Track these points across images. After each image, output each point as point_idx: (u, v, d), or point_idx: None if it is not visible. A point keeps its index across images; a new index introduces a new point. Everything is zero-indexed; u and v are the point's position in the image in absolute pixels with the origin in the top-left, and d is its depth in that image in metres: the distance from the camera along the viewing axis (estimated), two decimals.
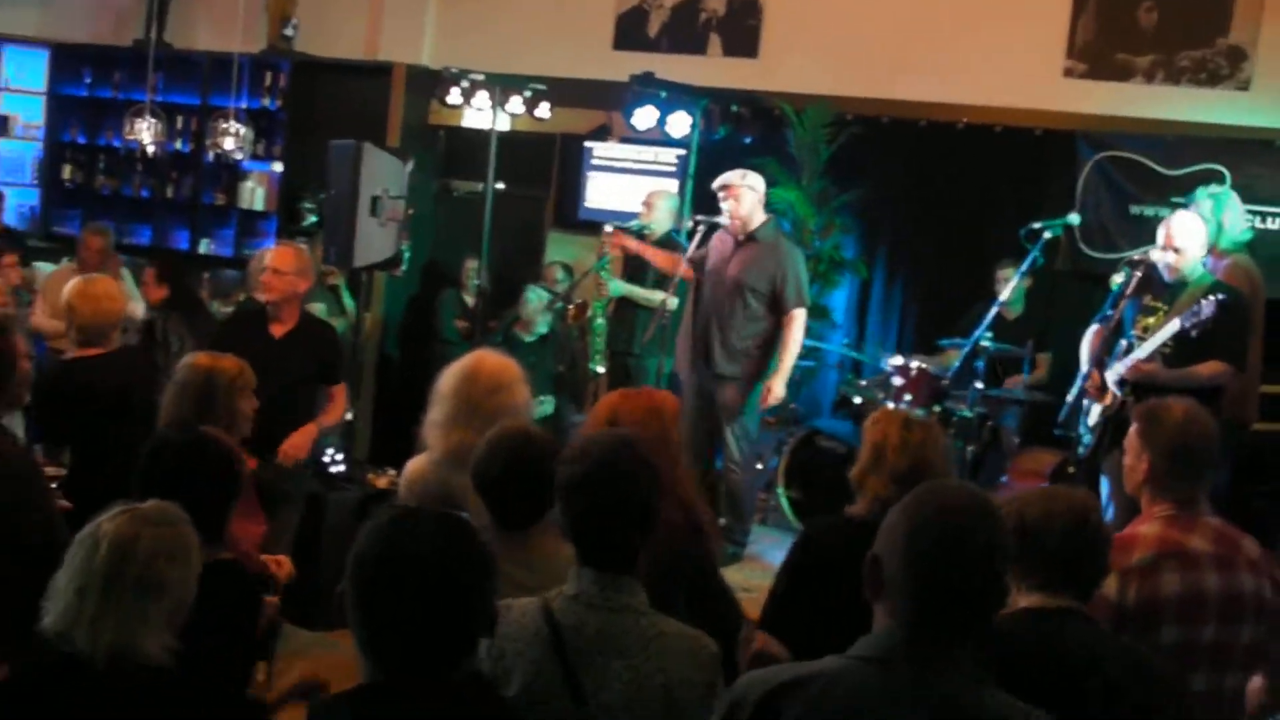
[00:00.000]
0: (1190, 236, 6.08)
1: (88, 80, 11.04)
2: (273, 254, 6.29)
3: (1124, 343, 6.19)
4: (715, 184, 7.34)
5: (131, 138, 9.78)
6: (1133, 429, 3.74)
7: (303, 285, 6.26)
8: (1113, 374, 6.11)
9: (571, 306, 8.13)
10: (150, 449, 3.59)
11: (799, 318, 7.22)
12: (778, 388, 7.18)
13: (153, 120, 9.63)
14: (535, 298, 8.75)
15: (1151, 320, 6.13)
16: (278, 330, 6.17)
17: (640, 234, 8.07)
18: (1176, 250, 6.05)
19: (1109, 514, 5.42)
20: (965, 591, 2.24)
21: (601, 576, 2.84)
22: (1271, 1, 8.15)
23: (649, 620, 2.84)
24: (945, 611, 2.24)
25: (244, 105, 10.06)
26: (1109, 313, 6.39)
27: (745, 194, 7.21)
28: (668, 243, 8.05)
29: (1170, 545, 3.47)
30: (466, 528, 2.37)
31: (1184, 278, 6.09)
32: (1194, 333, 5.71)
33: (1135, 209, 8.43)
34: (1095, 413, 6.24)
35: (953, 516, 2.29)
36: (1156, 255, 6.16)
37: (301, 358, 6.10)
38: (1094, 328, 6.46)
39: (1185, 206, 6.80)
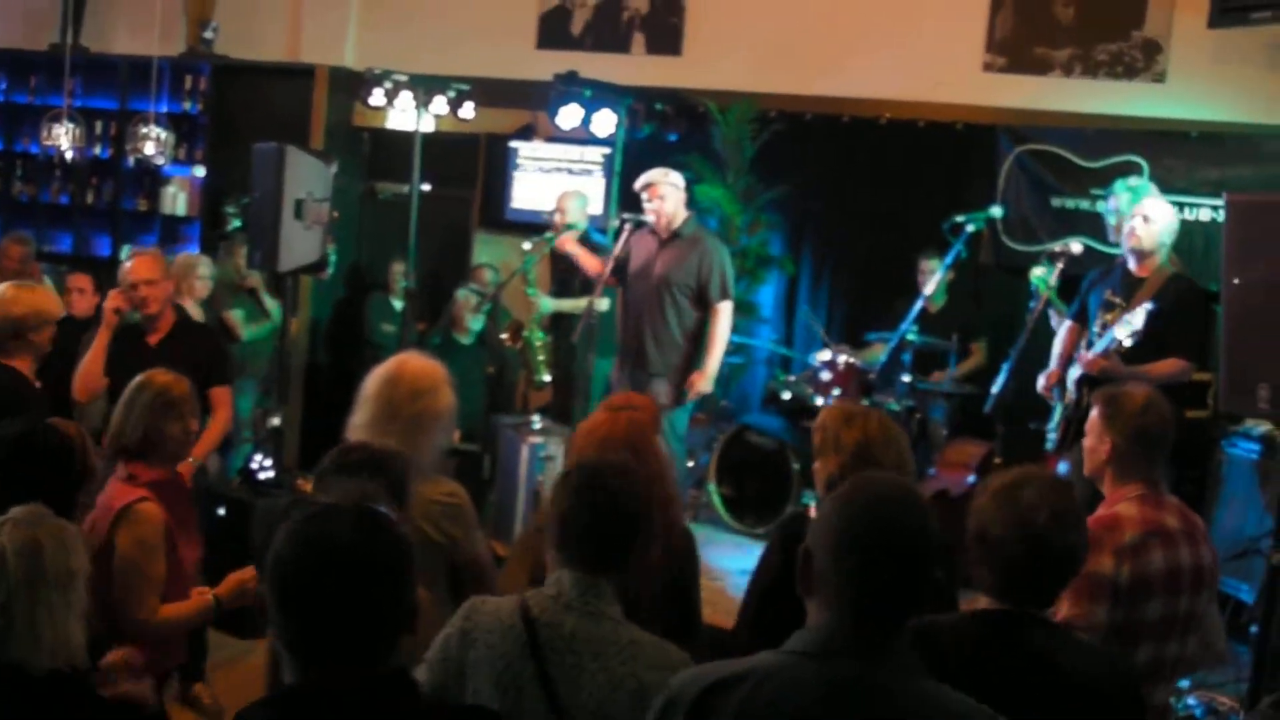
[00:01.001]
0: (1160, 210, 6.17)
1: (2, 86, 10.85)
2: (135, 267, 6.04)
3: (1086, 340, 6.27)
4: (638, 184, 7.33)
5: (50, 143, 9.65)
6: (1094, 413, 3.86)
7: (171, 286, 6.18)
8: (1074, 371, 6.17)
9: (506, 334, 8.15)
10: None
11: (725, 311, 7.24)
12: (703, 382, 7.19)
13: (71, 125, 9.52)
14: (463, 297, 8.74)
15: (1110, 316, 6.21)
16: (153, 338, 6.03)
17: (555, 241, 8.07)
18: (1146, 219, 6.12)
19: None
20: (897, 582, 2.26)
21: (581, 580, 2.88)
22: None
23: (625, 629, 2.87)
24: (878, 603, 2.26)
25: (164, 109, 9.96)
26: (1074, 309, 6.46)
27: (670, 192, 7.22)
28: (584, 241, 8.02)
29: (1153, 524, 3.63)
30: (382, 520, 2.35)
31: (1151, 253, 6.15)
32: (1130, 342, 5.78)
33: (1056, 201, 8.54)
34: (1058, 412, 6.32)
35: (882, 507, 2.31)
36: (1081, 239, 6.28)
37: (179, 364, 5.94)
38: (1067, 324, 6.53)
39: (1104, 198, 6.91)
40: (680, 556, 3.83)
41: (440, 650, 2.95)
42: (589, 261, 7.70)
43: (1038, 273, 6.70)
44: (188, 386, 4.46)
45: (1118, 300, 6.19)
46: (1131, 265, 6.24)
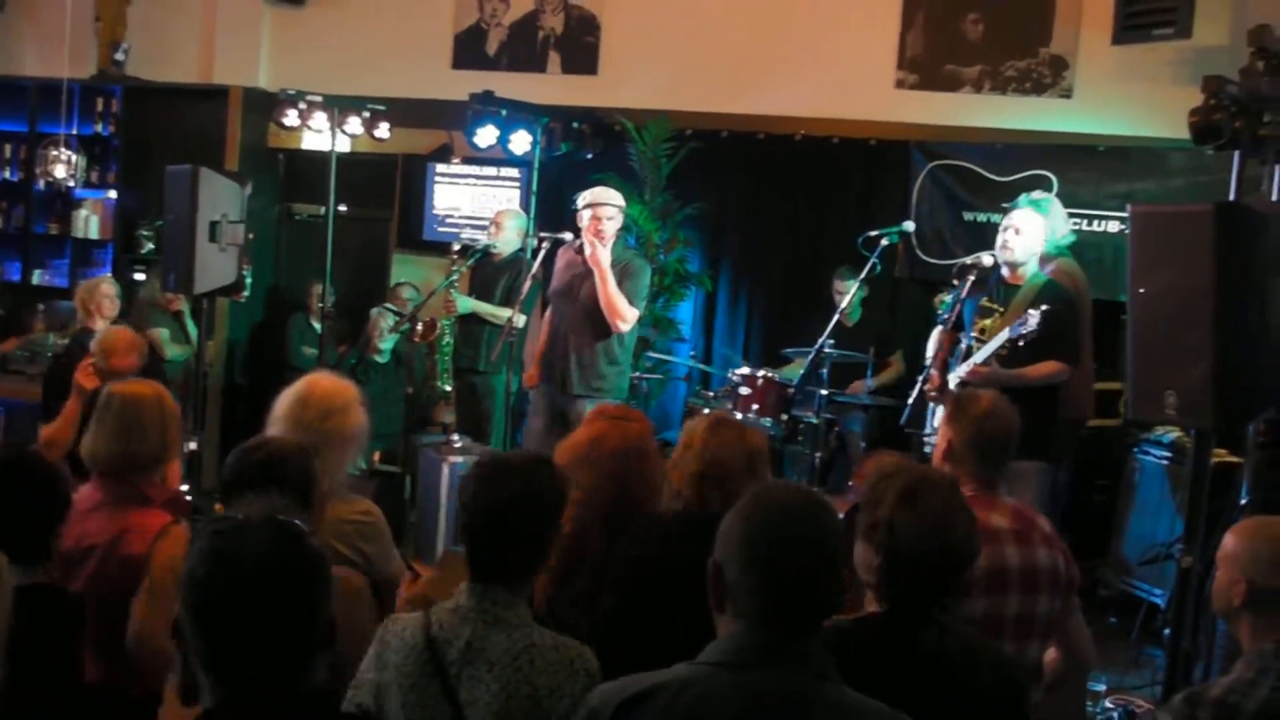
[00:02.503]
0: (1030, 223, 6.37)
1: None
2: (108, 346, 6.04)
3: (964, 344, 6.39)
4: (581, 200, 7.22)
5: None
6: (943, 412, 3.91)
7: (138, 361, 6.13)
8: (954, 376, 6.28)
9: (420, 324, 8.07)
10: None
11: (630, 316, 7.17)
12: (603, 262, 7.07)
13: None
14: (375, 315, 8.72)
15: (988, 322, 6.34)
16: (89, 381, 5.85)
17: (487, 253, 8.05)
18: (1017, 231, 6.30)
19: None
20: (805, 589, 2.30)
21: (478, 588, 2.87)
22: (1089, 13, 8.45)
23: (522, 633, 2.84)
24: (788, 610, 2.29)
25: (75, 131, 9.84)
26: (944, 315, 6.58)
27: (615, 214, 7.16)
28: (515, 262, 8.02)
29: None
30: (294, 530, 2.33)
31: (1021, 265, 6.32)
32: (1021, 343, 5.92)
33: (968, 215, 8.66)
34: (939, 414, 6.40)
35: (785, 516, 2.34)
36: (991, 252, 6.41)
37: None
38: (937, 330, 6.64)
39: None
40: None
41: (364, 671, 2.93)
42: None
43: (943, 298, 6.85)
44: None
45: (995, 306, 6.34)
46: (1005, 273, 6.44)
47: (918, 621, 2.85)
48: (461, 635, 2.83)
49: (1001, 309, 6.31)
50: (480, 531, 2.89)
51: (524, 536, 2.91)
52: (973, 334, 6.39)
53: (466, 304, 8.09)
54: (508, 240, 8.09)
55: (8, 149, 10.33)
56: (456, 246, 7.98)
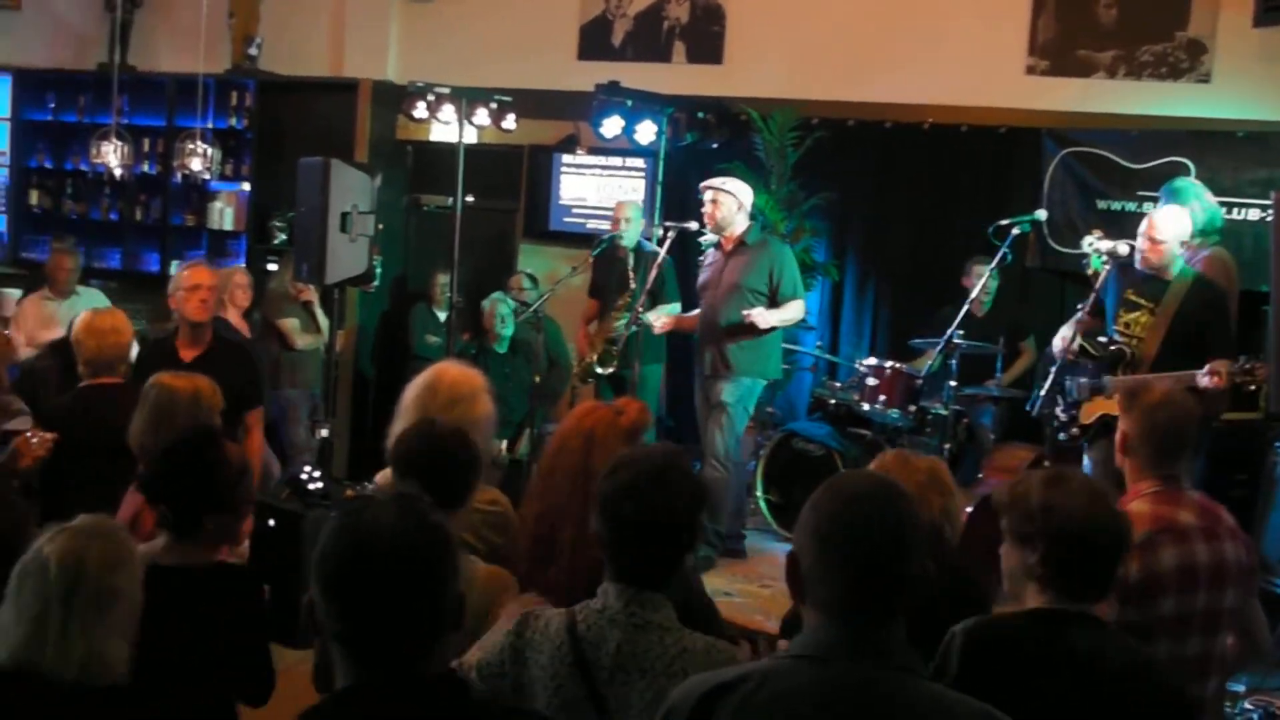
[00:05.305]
0: (1171, 230, 6.14)
1: (52, 105, 10.98)
2: (197, 272, 6.11)
3: (1106, 338, 6.22)
4: (703, 185, 7.53)
5: (99, 161, 9.73)
6: (1118, 403, 3.87)
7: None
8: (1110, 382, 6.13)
9: (577, 373, 8.32)
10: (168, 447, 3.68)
11: (799, 304, 7.49)
12: (762, 315, 7.26)
13: (119, 143, 9.60)
14: (488, 304, 8.79)
15: (1136, 317, 6.16)
16: (188, 354, 5.97)
17: (612, 244, 8.12)
18: (1154, 241, 6.11)
19: None
20: (878, 579, 2.24)
21: (626, 591, 2.79)
22: None
23: (674, 637, 2.78)
24: (862, 601, 2.24)
25: (210, 125, 10.03)
26: (1081, 305, 6.41)
27: (723, 199, 7.42)
28: (637, 252, 8.07)
29: (1163, 521, 3.63)
30: (422, 505, 2.36)
31: (1163, 268, 6.14)
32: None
33: (1102, 203, 8.49)
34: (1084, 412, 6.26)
35: (856, 504, 2.29)
36: (1129, 242, 6.24)
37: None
38: (1077, 317, 6.47)
39: (1153, 200, 6.86)
40: None
41: (495, 663, 2.90)
42: (688, 323, 7.85)
43: (1098, 247, 6.64)
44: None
45: (1144, 302, 6.16)
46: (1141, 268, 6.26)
47: (1080, 618, 2.83)
48: (610, 639, 2.77)
49: (1151, 305, 6.13)
50: (620, 533, 2.81)
51: (665, 535, 2.83)
52: (1116, 329, 6.22)
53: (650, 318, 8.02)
54: (630, 233, 8.16)
55: (146, 143, 10.58)
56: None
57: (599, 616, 2.80)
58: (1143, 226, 6.22)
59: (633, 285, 7.71)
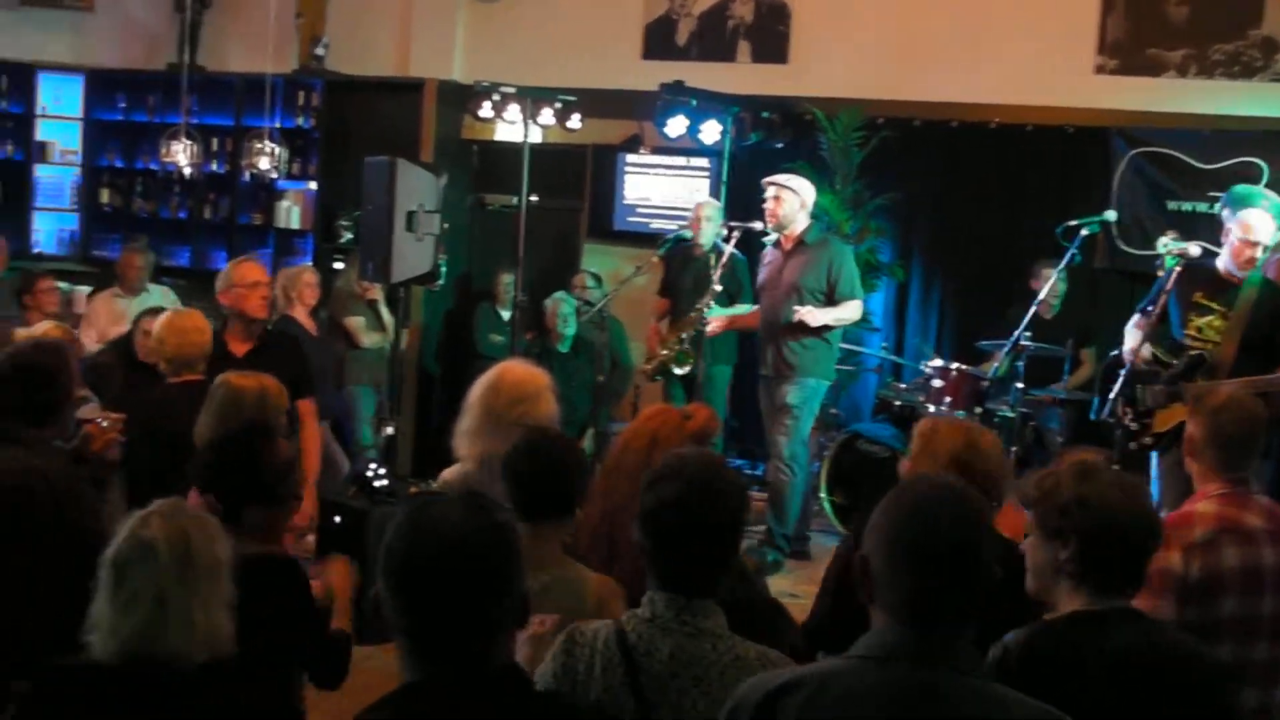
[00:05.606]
0: (1265, 232, 6.06)
1: (122, 105, 11.11)
2: (255, 269, 6.17)
3: (1175, 343, 6.14)
4: (765, 181, 7.57)
5: (168, 160, 9.86)
6: (1188, 407, 3.85)
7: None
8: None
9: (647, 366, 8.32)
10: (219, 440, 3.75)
11: (856, 305, 7.49)
12: (810, 313, 7.27)
13: (188, 143, 9.71)
14: (550, 303, 8.82)
15: (1206, 321, 6.07)
16: (240, 349, 5.97)
17: (685, 243, 8.14)
18: (1250, 243, 6.02)
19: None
20: (950, 583, 2.24)
21: (676, 600, 2.75)
22: None
23: (726, 644, 2.74)
24: (933, 605, 2.24)
25: (278, 125, 10.12)
26: (1149, 307, 6.32)
27: (785, 195, 7.43)
28: (714, 252, 8.06)
29: (1228, 521, 3.60)
30: (490, 504, 2.38)
31: (1246, 272, 6.05)
32: None
33: (1172, 204, 8.40)
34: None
35: (930, 508, 2.29)
36: (1199, 243, 6.16)
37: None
38: (1135, 319, 6.40)
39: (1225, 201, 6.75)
40: None
41: (545, 677, 2.84)
42: (751, 319, 7.85)
43: (1171, 248, 6.54)
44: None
45: (1215, 305, 6.06)
46: (1223, 269, 6.15)
47: (1120, 615, 2.80)
48: (662, 647, 2.73)
49: (1224, 309, 6.04)
50: (664, 545, 2.77)
51: (709, 545, 2.78)
52: (1187, 333, 6.13)
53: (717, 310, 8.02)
54: (708, 234, 8.15)
55: (215, 142, 10.68)
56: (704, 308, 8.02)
57: (649, 626, 2.76)
58: (1234, 229, 6.10)
59: (715, 286, 7.69)
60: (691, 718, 2.71)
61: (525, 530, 2.97)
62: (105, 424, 4.86)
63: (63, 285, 9.39)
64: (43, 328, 5.99)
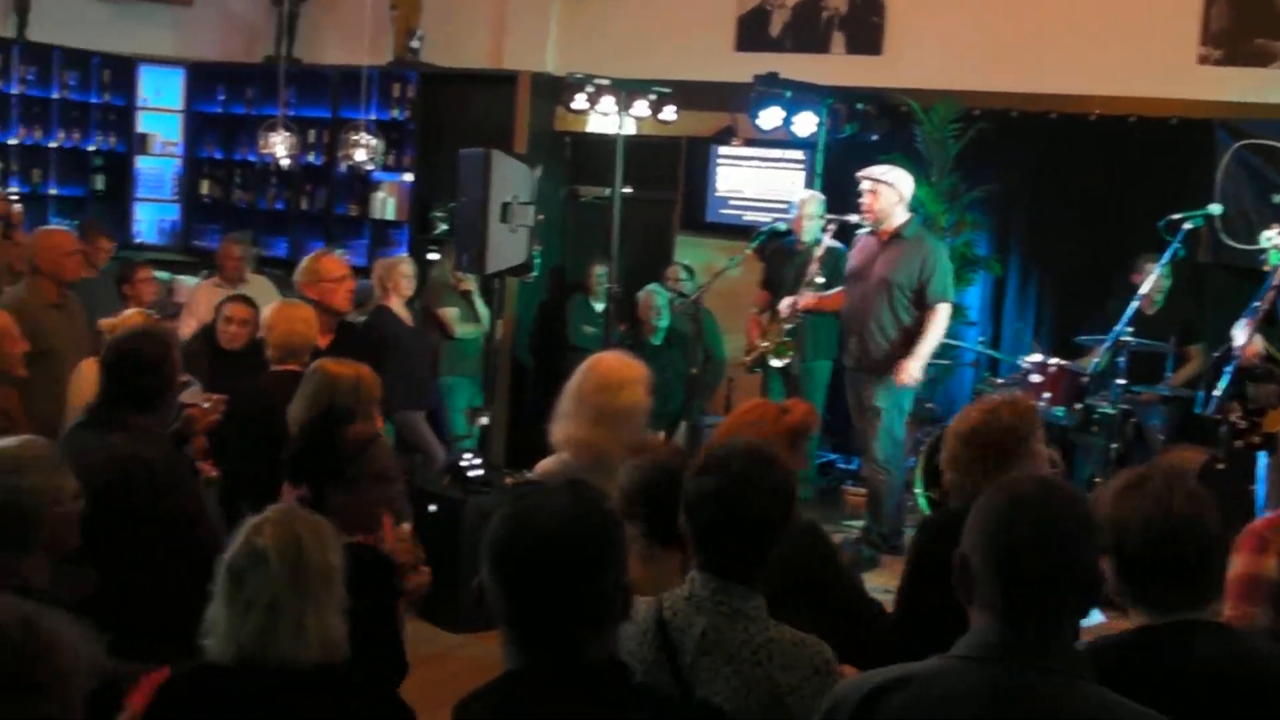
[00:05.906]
0: None
1: (221, 97, 11.30)
2: (340, 264, 6.40)
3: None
4: (860, 174, 7.50)
5: (266, 152, 10.01)
6: None
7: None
8: None
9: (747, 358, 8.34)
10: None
11: (943, 311, 7.34)
12: (913, 368, 7.21)
13: (286, 134, 9.85)
14: (643, 295, 8.82)
15: None
16: (321, 340, 6.10)
17: (780, 236, 8.15)
18: None
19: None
20: (1051, 583, 2.22)
21: (714, 580, 2.80)
22: None
23: (759, 626, 2.78)
24: (1033, 605, 2.22)
25: (373, 117, 10.24)
26: (1256, 304, 6.21)
27: (882, 190, 7.33)
28: (816, 245, 8.03)
29: None
30: (594, 494, 2.39)
31: None
32: None
33: (1278, 198, 8.21)
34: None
35: (1031, 508, 2.26)
36: None
37: None
38: (1242, 321, 6.28)
39: None
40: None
41: None
42: (834, 302, 7.83)
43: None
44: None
45: None
46: None
47: (1190, 628, 2.70)
48: (696, 624, 2.78)
49: None
50: (706, 534, 2.81)
51: (751, 537, 2.81)
52: None
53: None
54: (811, 228, 8.12)
55: (311, 134, 10.82)
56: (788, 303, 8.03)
57: (686, 602, 2.81)
58: None
59: (817, 279, 7.66)
60: (723, 694, 2.73)
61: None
62: (207, 405, 4.96)
63: (163, 275, 9.55)
64: (127, 315, 6.10)
